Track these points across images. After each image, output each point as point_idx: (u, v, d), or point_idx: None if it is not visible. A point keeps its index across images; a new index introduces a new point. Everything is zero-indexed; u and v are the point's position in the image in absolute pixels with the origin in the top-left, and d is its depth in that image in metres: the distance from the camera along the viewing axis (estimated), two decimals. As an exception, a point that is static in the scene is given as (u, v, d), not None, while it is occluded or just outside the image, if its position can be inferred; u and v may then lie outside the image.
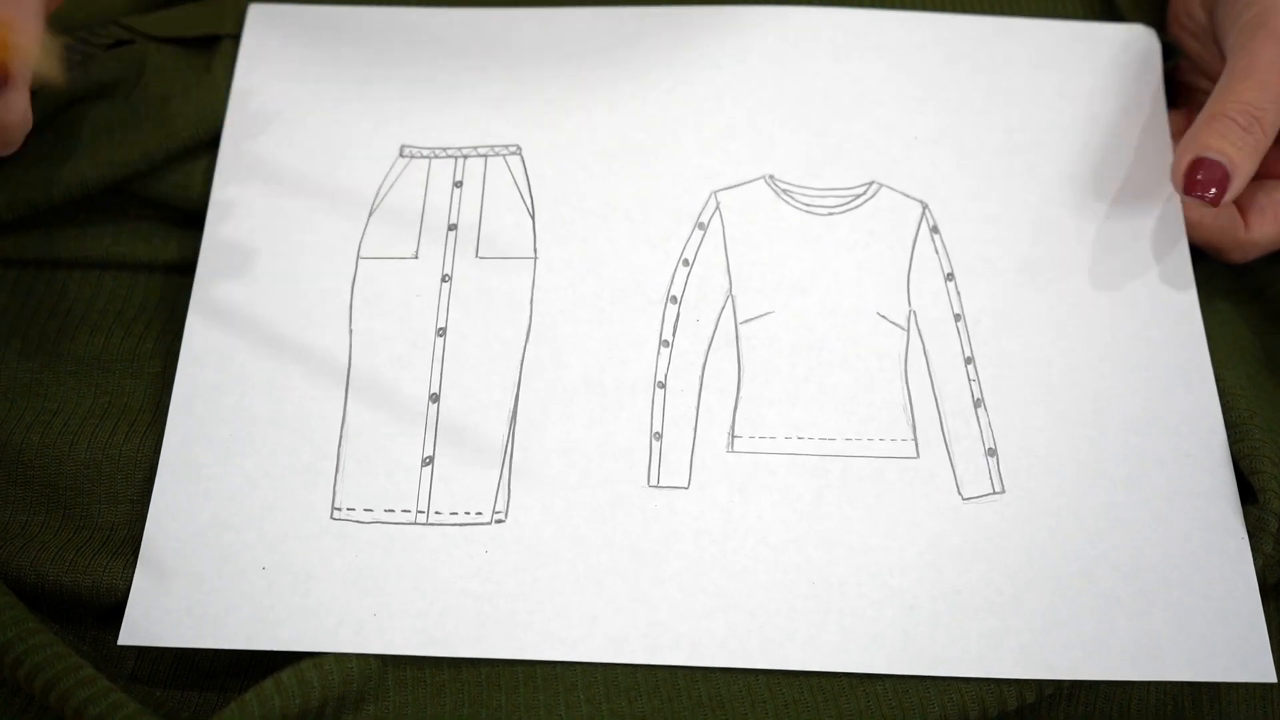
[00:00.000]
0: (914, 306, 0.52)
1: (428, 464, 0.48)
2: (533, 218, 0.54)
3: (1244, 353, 0.53)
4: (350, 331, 0.51)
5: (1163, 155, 0.55)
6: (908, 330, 0.52)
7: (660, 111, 0.56)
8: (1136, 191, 0.55)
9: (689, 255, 0.53)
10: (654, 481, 0.48)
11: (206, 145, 0.55)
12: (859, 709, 0.44)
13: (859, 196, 0.54)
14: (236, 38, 0.57)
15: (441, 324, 0.51)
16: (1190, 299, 0.52)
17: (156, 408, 0.50)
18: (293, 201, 0.53)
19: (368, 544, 0.47)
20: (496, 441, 0.49)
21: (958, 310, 0.52)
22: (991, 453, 0.49)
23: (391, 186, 0.54)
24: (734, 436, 0.49)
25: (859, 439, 0.49)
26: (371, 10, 0.58)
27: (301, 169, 0.54)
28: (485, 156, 0.55)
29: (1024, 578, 0.47)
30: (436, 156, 0.55)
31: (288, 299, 0.51)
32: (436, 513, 0.48)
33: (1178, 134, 0.56)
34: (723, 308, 0.52)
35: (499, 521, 0.47)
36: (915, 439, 0.49)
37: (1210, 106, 0.52)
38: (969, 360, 0.51)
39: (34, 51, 0.47)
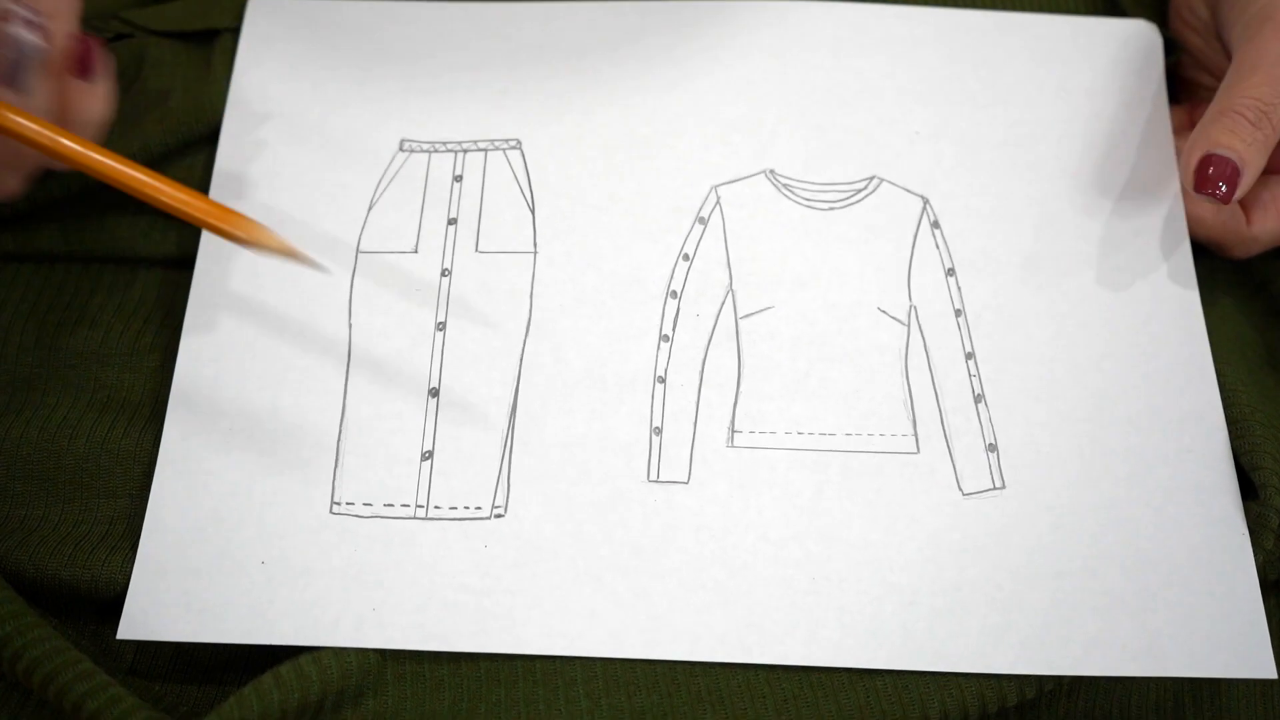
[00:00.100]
0: (915, 302, 0.52)
1: (427, 458, 0.48)
2: (533, 212, 0.53)
3: (1245, 349, 0.53)
4: (350, 326, 0.51)
5: (1164, 151, 0.55)
6: (908, 325, 0.51)
7: (661, 106, 0.56)
8: (1138, 187, 0.54)
9: (689, 250, 0.53)
10: (654, 476, 0.48)
11: (206, 139, 0.55)
12: (859, 704, 0.44)
13: (860, 191, 0.54)
14: (236, 32, 0.57)
15: (441, 318, 0.51)
16: (1192, 295, 0.52)
17: (155, 402, 0.50)
18: (292, 195, 0.53)
19: (367, 539, 0.47)
20: (496, 436, 0.49)
21: (958, 305, 0.52)
22: (992, 448, 0.49)
23: (391, 181, 0.54)
24: (734, 431, 0.49)
25: (859, 434, 0.49)
26: (371, 4, 0.58)
27: (301, 163, 0.54)
28: (485, 151, 0.55)
29: (1024, 573, 0.47)
30: (436, 151, 0.55)
31: (287, 293, 0.51)
32: (436, 507, 0.48)
33: (1179, 129, 0.56)
34: (723, 302, 0.52)
35: (498, 516, 0.47)
36: (915, 434, 0.49)
37: (1218, 102, 0.51)
38: (970, 355, 0.51)
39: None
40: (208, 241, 0.52)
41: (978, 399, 0.50)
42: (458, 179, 0.54)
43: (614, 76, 0.56)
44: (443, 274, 0.52)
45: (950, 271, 0.53)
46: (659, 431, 0.49)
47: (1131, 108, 0.56)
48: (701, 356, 0.51)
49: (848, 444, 0.49)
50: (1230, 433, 0.49)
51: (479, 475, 0.48)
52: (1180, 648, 0.45)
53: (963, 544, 0.47)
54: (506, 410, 0.49)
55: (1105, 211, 0.54)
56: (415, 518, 0.47)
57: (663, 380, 0.50)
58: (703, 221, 0.53)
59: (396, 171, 0.54)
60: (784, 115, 0.56)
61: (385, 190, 0.54)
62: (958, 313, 0.52)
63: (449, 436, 0.49)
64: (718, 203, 0.54)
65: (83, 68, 0.48)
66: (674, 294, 0.52)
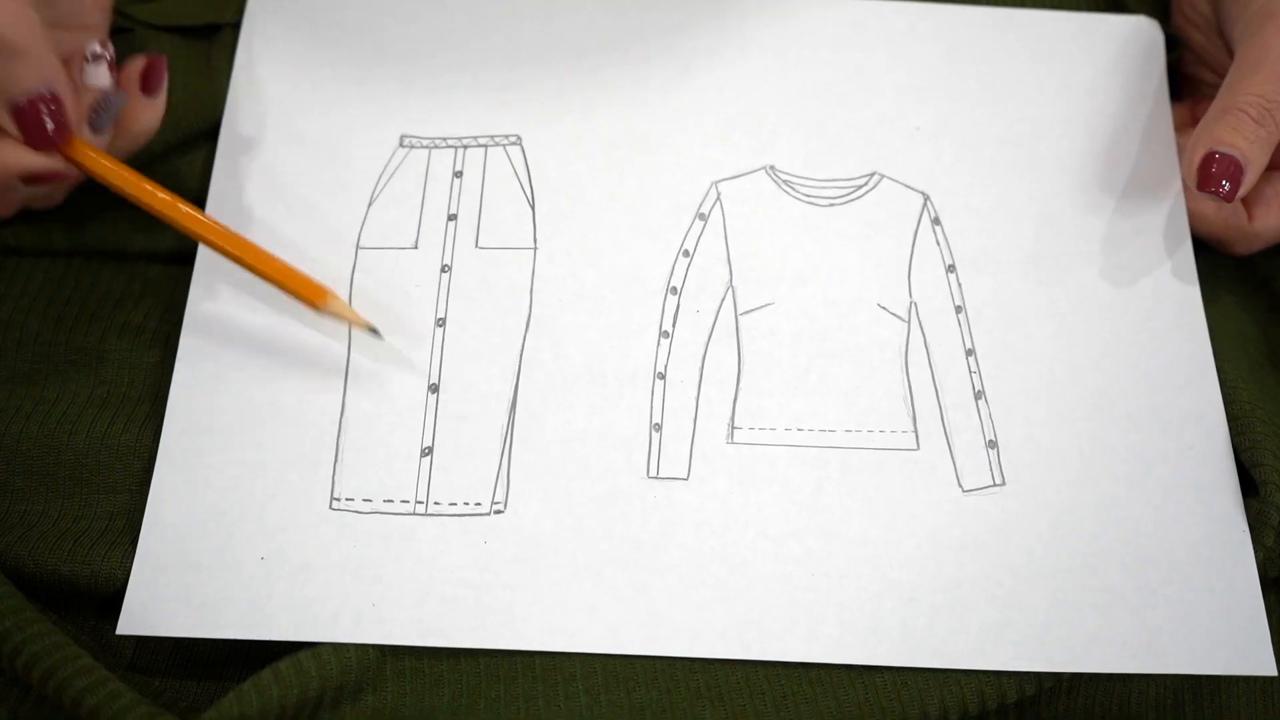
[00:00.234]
0: (915, 298, 0.52)
1: (427, 454, 0.48)
2: (533, 208, 0.53)
3: (1246, 346, 0.53)
4: (350, 321, 0.51)
5: (1166, 148, 0.55)
6: (908, 322, 0.51)
7: (661, 102, 0.56)
8: (1139, 184, 0.54)
9: (689, 246, 0.53)
10: (653, 472, 0.48)
11: (206, 135, 0.55)
12: (858, 701, 0.44)
13: (860, 188, 0.54)
14: (236, 27, 0.57)
15: (441, 314, 0.51)
16: (1193, 291, 0.52)
17: (155, 397, 0.50)
18: (292, 191, 0.53)
19: (366, 534, 0.47)
20: (496, 432, 0.49)
21: (959, 302, 0.52)
22: (992, 445, 0.49)
23: (391, 176, 0.54)
24: (734, 428, 0.49)
25: (859, 431, 0.49)
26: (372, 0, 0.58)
27: (301, 159, 0.54)
28: (485, 146, 0.55)
29: (1024, 570, 0.47)
30: (436, 146, 0.55)
31: (287, 289, 0.51)
32: (435, 503, 0.47)
33: (1180, 126, 0.56)
34: (723, 299, 0.52)
35: (498, 512, 0.47)
36: (915, 431, 0.49)
37: (1221, 99, 0.51)
38: (970, 352, 0.51)
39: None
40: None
41: (978, 395, 0.50)
42: (458, 175, 0.54)
43: (614, 72, 0.56)
44: (443, 270, 0.52)
45: (951, 268, 0.53)
46: (659, 427, 0.49)
47: (1133, 104, 0.56)
48: (701, 352, 0.51)
49: (847, 440, 0.49)
50: (1231, 430, 0.49)
51: (478, 471, 0.48)
52: (1180, 645, 0.45)
53: (962, 541, 0.47)
54: (506, 406, 0.49)
55: (1106, 208, 0.54)
56: (415, 513, 0.47)
57: (663, 376, 0.50)
58: (703, 217, 0.53)
59: (397, 167, 0.54)
60: (784, 111, 0.56)
61: (385, 186, 0.54)
62: (958, 309, 0.52)
63: (449, 432, 0.49)
64: (718, 199, 0.54)
65: (149, 85, 0.50)
66: (674, 290, 0.52)
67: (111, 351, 0.51)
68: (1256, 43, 0.51)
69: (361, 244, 0.52)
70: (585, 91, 0.56)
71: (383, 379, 0.50)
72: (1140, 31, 0.58)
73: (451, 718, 0.44)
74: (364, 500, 0.48)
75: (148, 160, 0.53)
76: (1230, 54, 0.54)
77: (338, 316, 0.49)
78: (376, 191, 0.54)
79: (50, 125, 0.46)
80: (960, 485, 0.48)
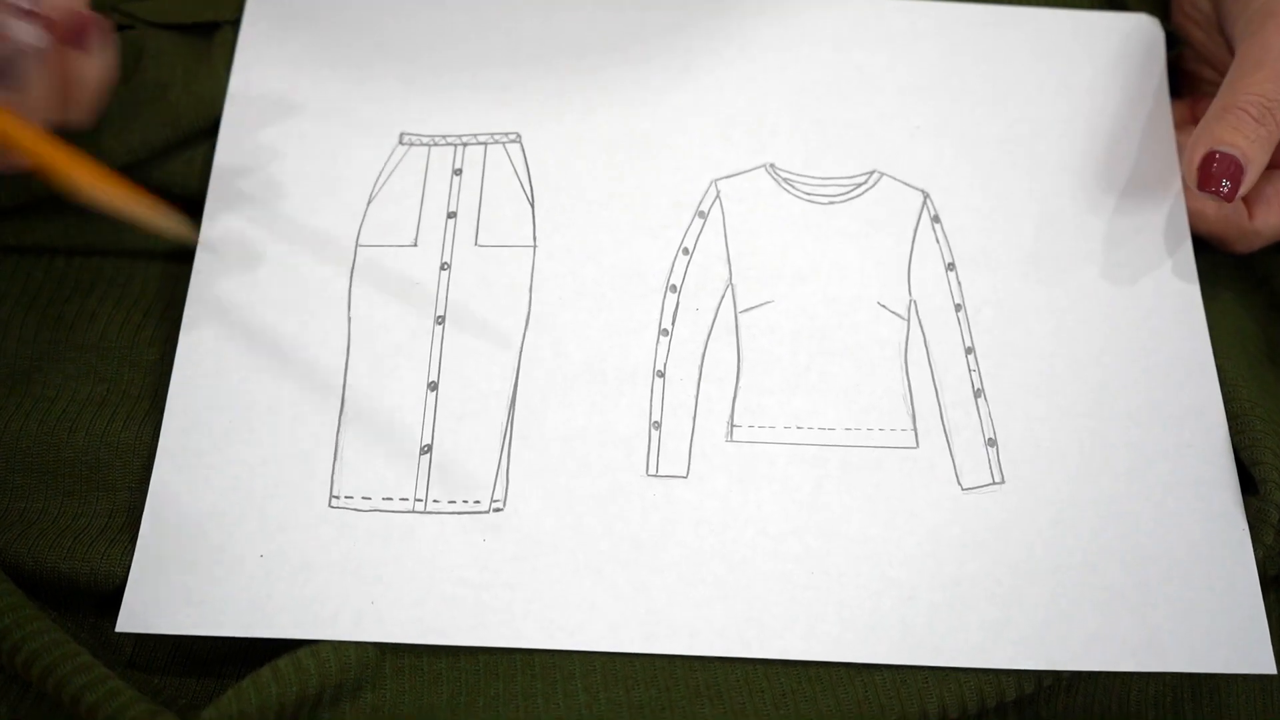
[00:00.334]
0: (915, 296, 0.52)
1: (426, 452, 0.48)
2: (532, 206, 0.53)
3: (1246, 344, 0.53)
4: (349, 319, 0.51)
5: (1166, 145, 0.55)
6: (908, 320, 0.51)
7: (661, 99, 0.56)
8: (1139, 181, 0.54)
9: (689, 244, 0.53)
10: (653, 470, 0.48)
11: (205, 132, 0.55)
12: (857, 699, 0.44)
13: (860, 186, 0.54)
14: (236, 24, 0.57)
15: (440, 312, 0.51)
16: (1193, 289, 0.52)
17: (155, 395, 0.50)
18: (292, 189, 0.53)
19: (366, 532, 0.47)
20: (495, 430, 0.49)
21: (958, 300, 0.52)
22: (991, 443, 0.49)
23: (391, 174, 0.54)
24: (733, 426, 0.49)
25: (859, 428, 0.49)
26: (371, -3, 0.58)
27: (300, 156, 0.54)
28: (485, 144, 0.55)
29: (1023, 568, 0.46)
30: (436, 144, 0.55)
31: (286, 286, 0.51)
32: (435, 501, 0.47)
33: (1181, 124, 0.56)
34: (722, 296, 0.52)
35: (497, 510, 0.47)
36: (915, 429, 0.49)
37: (1221, 98, 0.51)
38: (969, 350, 0.51)
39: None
40: (207, 235, 0.52)
41: (977, 394, 0.50)
42: (457, 172, 0.54)
43: (614, 70, 0.56)
44: (442, 268, 0.52)
45: (950, 266, 0.52)
46: (658, 426, 0.49)
47: (1133, 102, 0.56)
48: (701, 351, 0.51)
49: (847, 439, 0.49)
50: (1230, 427, 0.49)
51: (478, 469, 0.48)
52: (1180, 643, 0.45)
53: (962, 539, 0.47)
54: (506, 404, 0.49)
55: (1106, 206, 0.54)
56: (414, 511, 0.47)
57: (662, 374, 0.50)
58: (702, 216, 0.53)
59: (396, 165, 0.54)
60: (784, 109, 0.56)
61: (385, 184, 0.54)
62: (958, 307, 0.52)
63: (448, 430, 0.49)
64: (717, 197, 0.54)
65: (77, 40, 0.48)
66: (673, 288, 0.52)
67: (111, 349, 0.51)
68: (1257, 41, 0.51)
69: (361, 241, 0.52)
70: (585, 90, 0.56)
71: (382, 376, 0.50)
72: (1140, 29, 0.58)
73: (451, 715, 0.44)
74: (363, 498, 0.48)
75: (147, 158, 0.53)
76: (1231, 51, 0.54)
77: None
78: (376, 189, 0.54)
79: None
80: (960, 483, 0.48)
